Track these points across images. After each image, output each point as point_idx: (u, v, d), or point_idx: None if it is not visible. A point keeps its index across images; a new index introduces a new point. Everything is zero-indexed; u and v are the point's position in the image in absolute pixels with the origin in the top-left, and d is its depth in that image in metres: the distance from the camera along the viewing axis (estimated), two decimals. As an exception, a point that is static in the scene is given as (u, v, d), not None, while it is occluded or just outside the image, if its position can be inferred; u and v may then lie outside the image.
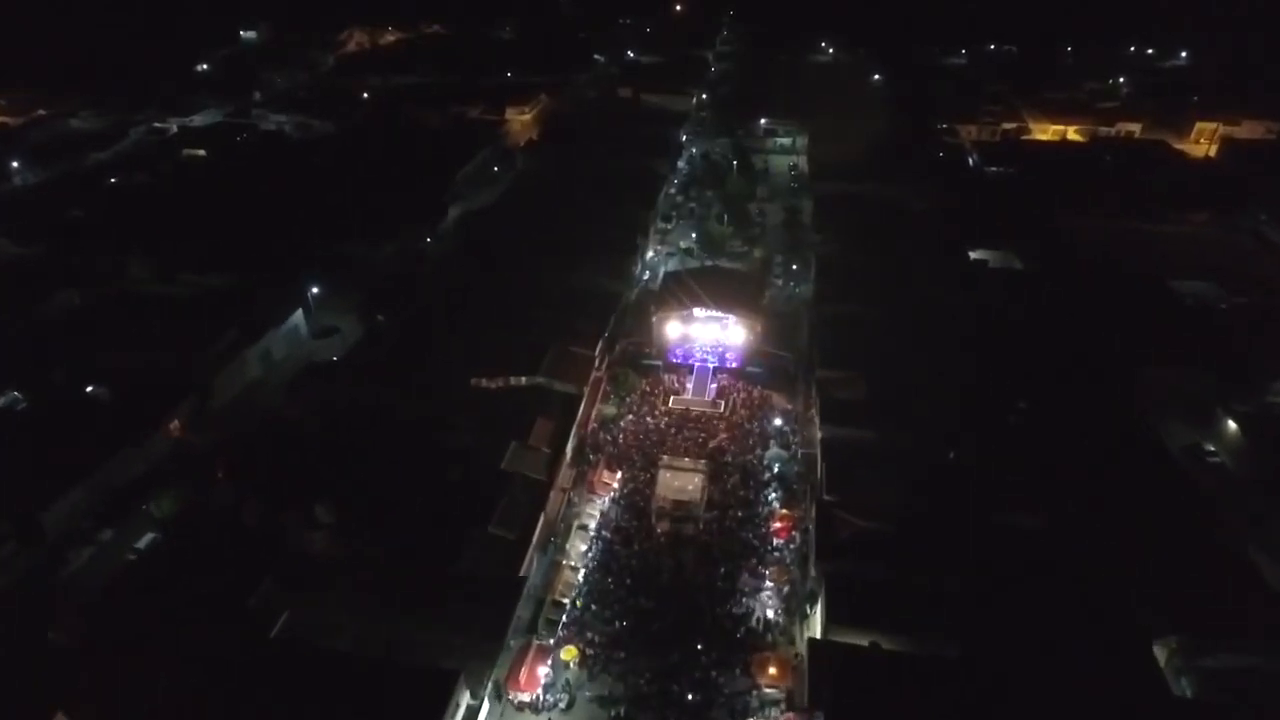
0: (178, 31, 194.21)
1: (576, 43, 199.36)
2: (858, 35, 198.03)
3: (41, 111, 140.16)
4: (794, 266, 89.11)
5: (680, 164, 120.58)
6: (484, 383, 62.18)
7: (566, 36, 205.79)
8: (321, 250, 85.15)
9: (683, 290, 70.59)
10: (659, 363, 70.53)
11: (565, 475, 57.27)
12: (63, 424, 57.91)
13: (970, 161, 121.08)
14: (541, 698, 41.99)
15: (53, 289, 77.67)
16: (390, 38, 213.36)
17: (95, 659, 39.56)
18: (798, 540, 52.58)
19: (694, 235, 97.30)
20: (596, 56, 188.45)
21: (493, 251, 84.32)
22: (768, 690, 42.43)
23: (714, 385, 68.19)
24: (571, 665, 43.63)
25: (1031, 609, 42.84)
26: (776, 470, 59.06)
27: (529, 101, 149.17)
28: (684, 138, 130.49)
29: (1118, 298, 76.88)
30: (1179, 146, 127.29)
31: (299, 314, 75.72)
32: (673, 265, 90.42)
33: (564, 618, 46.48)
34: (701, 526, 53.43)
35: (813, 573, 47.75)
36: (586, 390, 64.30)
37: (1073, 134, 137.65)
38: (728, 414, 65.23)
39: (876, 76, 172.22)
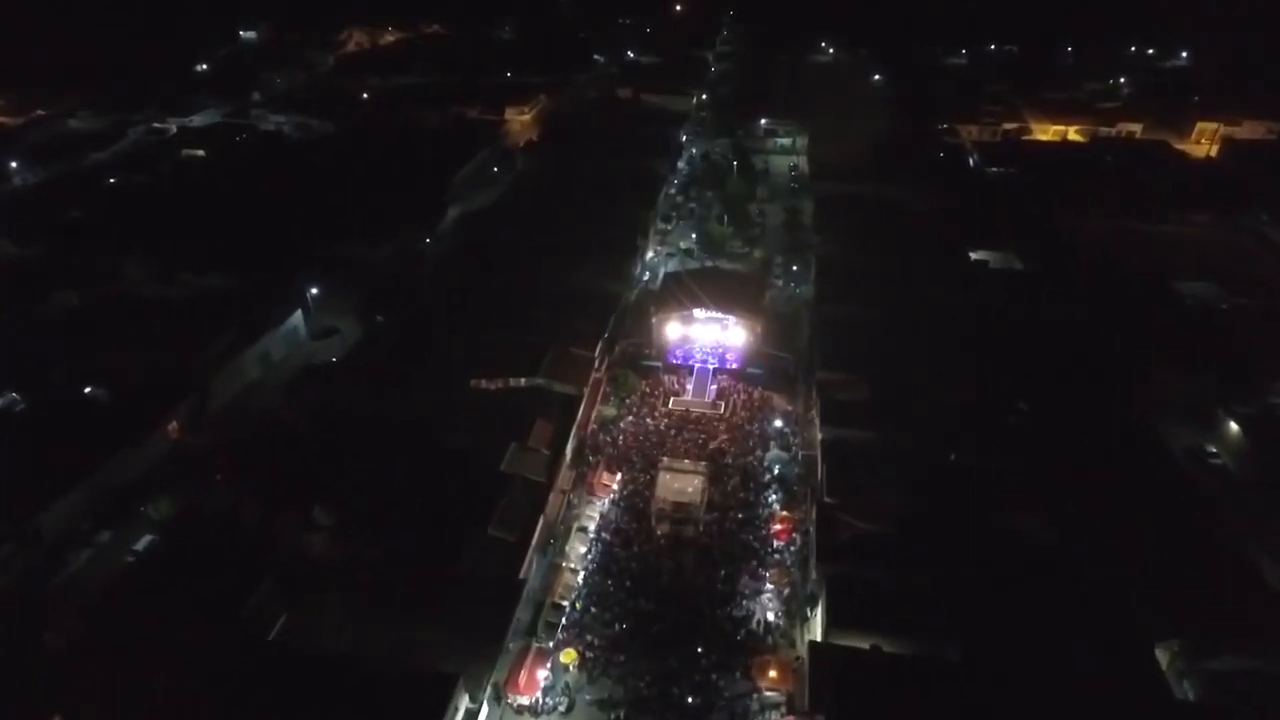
0: (177, 31, 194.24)
1: (576, 43, 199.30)
2: (858, 35, 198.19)
3: (40, 111, 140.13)
4: (794, 267, 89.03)
5: (680, 164, 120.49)
6: (483, 384, 62.08)
7: (566, 36, 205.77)
8: (320, 251, 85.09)
9: (683, 291, 70.48)
10: (659, 364, 70.40)
11: (565, 477, 57.15)
12: (61, 425, 57.84)
13: (970, 162, 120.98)
14: (541, 701, 41.89)
15: (51, 289, 77.50)
16: (389, 38, 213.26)
17: (93, 661, 39.44)
18: (798, 542, 52.48)
19: (694, 236, 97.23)
20: (596, 57, 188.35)
21: (492, 252, 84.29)
22: (768, 693, 42.36)
23: (714, 386, 68.04)
24: (571, 668, 43.54)
25: (1033, 611, 42.73)
26: (777, 472, 58.94)
27: (528, 102, 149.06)
28: (684, 138, 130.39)
29: (1118, 298, 76.87)
30: (1180, 147, 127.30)
31: (298, 315, 75.56)
32: (673, 266, 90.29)
33: (563, 620, 46.43)
34: (701, 528, 53.30)
35: (813, 575, 47.66)
36: (586, 391, 64.18)
37: (1073, 134, 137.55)
38: (728, 415, 65.09)
39: (877, 77, 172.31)
